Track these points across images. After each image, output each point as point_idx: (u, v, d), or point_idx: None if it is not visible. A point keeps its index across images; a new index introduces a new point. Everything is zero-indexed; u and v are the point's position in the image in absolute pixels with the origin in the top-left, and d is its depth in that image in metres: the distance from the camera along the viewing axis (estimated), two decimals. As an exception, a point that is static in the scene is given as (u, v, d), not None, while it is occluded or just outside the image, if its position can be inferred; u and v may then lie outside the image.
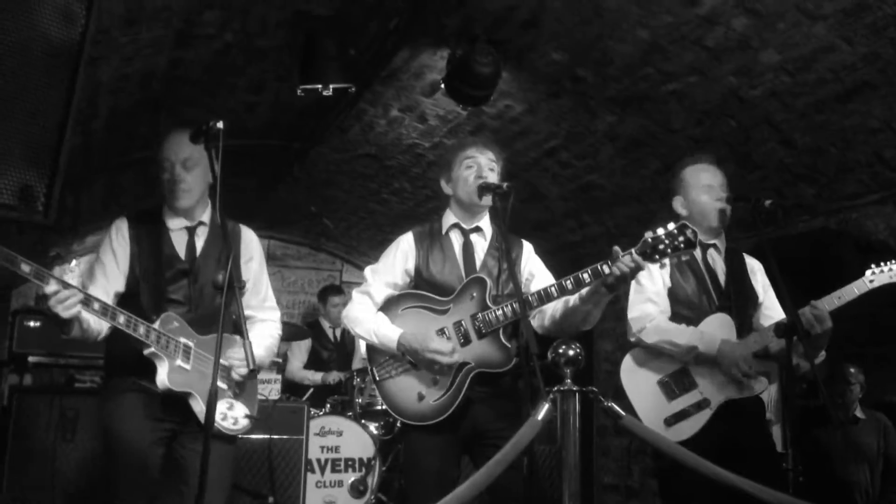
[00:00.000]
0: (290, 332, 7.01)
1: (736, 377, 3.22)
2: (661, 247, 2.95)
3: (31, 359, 5.79)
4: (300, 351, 7.31)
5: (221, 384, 3.09)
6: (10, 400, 4.91)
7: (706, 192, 3.45)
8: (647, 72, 4.55)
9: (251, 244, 3.40)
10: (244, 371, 3.12)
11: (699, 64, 4.32)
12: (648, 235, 2.96)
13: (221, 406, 3.09)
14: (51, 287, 2.70)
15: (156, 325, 2.99)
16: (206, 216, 3.27)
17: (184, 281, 3.16)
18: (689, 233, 2.95)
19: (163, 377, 2.97)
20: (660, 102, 4.78)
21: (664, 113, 4.86)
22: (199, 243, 3.24)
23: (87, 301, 2.81)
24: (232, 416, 3.14)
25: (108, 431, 3.07)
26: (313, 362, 7.27)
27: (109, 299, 3.07)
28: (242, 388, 3.21)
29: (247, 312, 3.15)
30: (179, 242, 3.21)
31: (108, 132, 5.20)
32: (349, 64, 4.49)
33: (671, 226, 2.97)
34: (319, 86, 4.41)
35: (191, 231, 3.23)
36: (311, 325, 7.55)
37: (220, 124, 2.82)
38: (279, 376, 5.83)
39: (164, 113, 5.25)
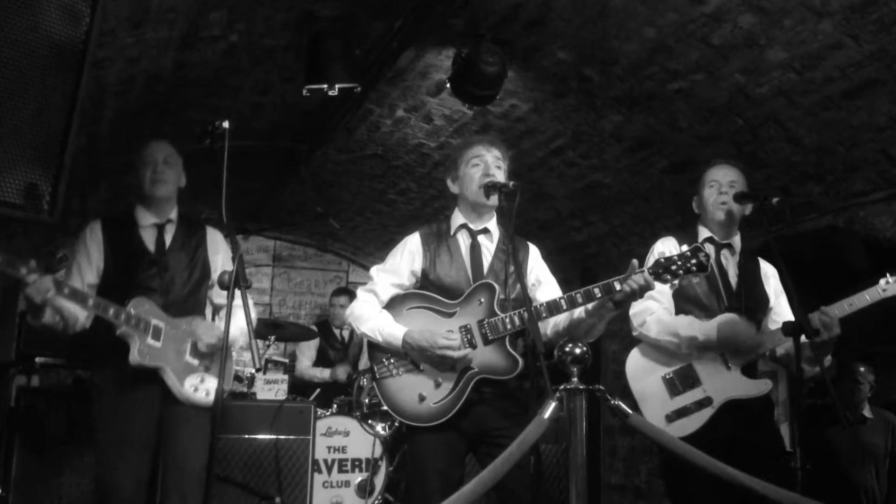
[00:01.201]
0: (298, 333, 7.05)
1: (744, 351, 3.22)
2: (674, 268, 2.99)
3: (38, 360, 5.79)
4: (309, 349, 7.34)
5: (192, 360, 3.43)
6: (17, 401, 4.92)
7: (710, 188, 3.51)
8: (653, 70, 4.54)
9: (214, 238, 3.69)
10: (212, 342, 3.40)
11: (705, 62, 4.31)
12: (662, 257, 3.01)
13: (193, 380, 3.39)
14: (23, 272, 2.92)
15: (127, 308, 3.27)
16: (174, 214, 3.58)
17: (153, 270, 3.45)
18: (701, 256, 2.99)
19: (134, 353, 3.24)
20: (666, 101, 4.77)
21: (670, 112, 4.85)
22: (168, 238, 3.54)
23: (59, 286, 3.05)
24: (203, 388, 3.41)
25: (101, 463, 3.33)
26: (321, 362, 7.29)
27: (90, 293, 3.35)
28: (213, 362, 3.47)
29: (218, 301, 3.59)
30: (149, 238, 3.51)
31: (114, 133, 5.22)
32: (354, 64, 4.49)
33: (685, 247, 3.02)
34: (325, 86, 4.41)
35: (160, 227, 3.54)
36: (320, 325, 7.57)
37: (226, 124, 2.89)
38: (286, 377, 5.83)
39: (171, 114, 5.26)
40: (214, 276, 3.55)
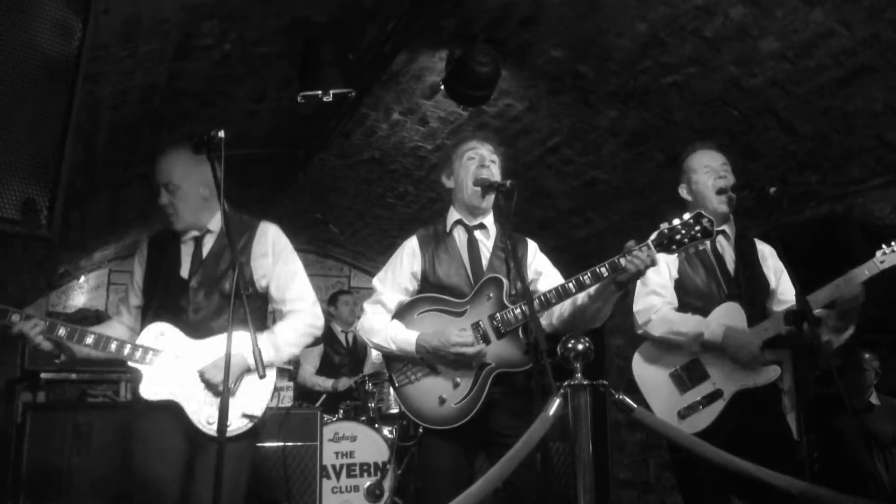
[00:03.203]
0: (301, 340, 7.04)
1: (743, 362, 3.20)
2: (678, 237, 2.94)
3: (43, 375, 5.81)
4: (312, 356, 7.32)
5: (207, 389, 3.10)
6: (23, 417, 4.92)
7: (705, 174, 3.45)
8: (646, 65, 4.54)
9: (264, 238, 3.35)
10: (214, 381, 3.06)
11: (698, 55, 4.31)
12: (665, 226, 2.96)
13: (211, 410, 3.05)
14: (12, 323, 2.87)
15: (139, 339, 3.10)
16: (213, 223, 3.30)
17: (183, 287, 3.19)
18: (705, 222, 2.94)
19: (142, 388, 3.05)
20: (660, 95, 4.77)
21: (665, 105, 4.86)
22: (205, 251, 3.27)
23: (51, 328, 2.96)
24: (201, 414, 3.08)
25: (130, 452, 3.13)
26: (325, 368, 7.27)
27: (136, 315, 3.30)
28: (237, 389, 3.13)
29: (272, 307, 3.33)
30: (186, 252, 3.27)
31: (111, 147, 5.23)
32: (348, 69, 4.49)
33: (687, 215, 2.97)
34: (319, 92, 4.41)
35: (198, 240, 3.28)
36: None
37: (221, 133, 2.83)
38: (291, 384, 5.84)
39: (167, 126, 5.27)
40: (262, 282, 3.27)
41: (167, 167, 3.22)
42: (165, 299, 3.20)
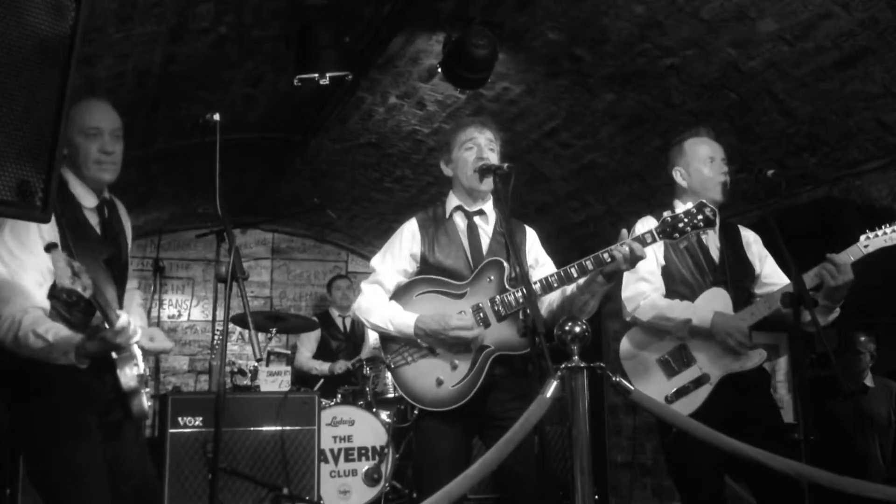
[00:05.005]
0: (299, 325, 7.06)
1: (731, 347, 3.21)
2: (681, 225, 2.99)
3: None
4: (309, 341, 7.35)
5: (143, 368, 2.89)
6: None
7: (708, 165, 3.44)
8: (644, 47, 4.52)
9: (123, 213, 3.10)
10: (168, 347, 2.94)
11: (696, 37, 4.29)
12: (667, 215, 3.01)
13: (146, 392, 2.89)
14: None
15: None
16: (107, 191, 2.98)
17: (104, 263, 2.85)
18: (707, 211, 3.00)
19: (123, 379, 2.77)
20: (658, 78, 4.75)
21: (663, 88, 4.84)
22: (107, 222, 2.95)
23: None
24: (148, 396, 2.94)
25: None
26: (323, 352, 7.29)
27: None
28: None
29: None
30: (95, 223, 2.91)
31: (107, 131, 5.20)
32: (345, 52, 4.48)
33: (689, 205, 3.04)
34: (316, 75, 4.40)
35: (101, 210, 2.93)
36: (320, 316, 7.57)
37: (216, 116, 2.81)
38: (289, 368, 5.85)
39: (162, 109, 5.25)
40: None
41: (112, 112, 2.92)
42: (96, 277, 2.68)
